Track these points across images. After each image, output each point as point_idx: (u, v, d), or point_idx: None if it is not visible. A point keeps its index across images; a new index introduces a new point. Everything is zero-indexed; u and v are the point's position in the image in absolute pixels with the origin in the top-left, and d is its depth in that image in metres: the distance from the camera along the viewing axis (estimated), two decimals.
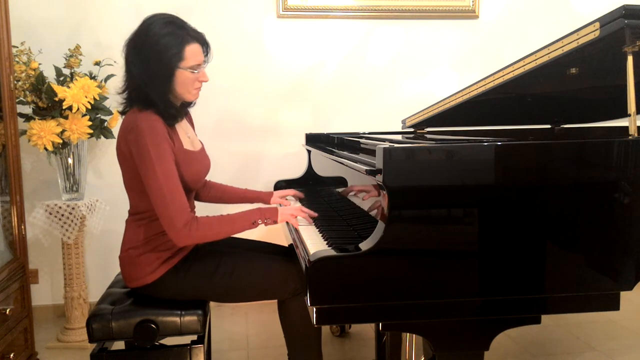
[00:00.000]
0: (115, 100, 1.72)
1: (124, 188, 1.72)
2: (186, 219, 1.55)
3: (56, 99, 2.41)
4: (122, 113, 1.71)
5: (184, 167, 1.65)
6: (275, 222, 1.71)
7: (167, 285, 1.68)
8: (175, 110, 1.65)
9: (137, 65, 1.59)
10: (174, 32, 1.58)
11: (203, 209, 1.95)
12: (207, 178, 1.99)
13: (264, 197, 2.11)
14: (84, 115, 2.46)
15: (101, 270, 2.98)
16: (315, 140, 2.73)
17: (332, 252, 1.35)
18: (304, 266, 1.40)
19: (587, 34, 1.48)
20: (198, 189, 1.95)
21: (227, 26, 3.00)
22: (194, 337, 1.70)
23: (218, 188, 2.06)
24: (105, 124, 2.62)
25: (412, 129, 2.63)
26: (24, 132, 2.42)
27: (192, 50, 1.60)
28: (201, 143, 1.87)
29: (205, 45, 1.67)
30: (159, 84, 1.59)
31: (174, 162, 1.59)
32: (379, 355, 2.03)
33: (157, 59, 1.57)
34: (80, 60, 2.58)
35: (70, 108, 2.42)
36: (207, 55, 1.68)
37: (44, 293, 2.96)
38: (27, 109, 2.53)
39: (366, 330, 2.66)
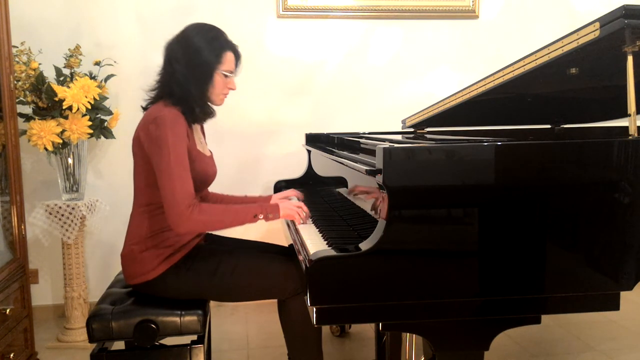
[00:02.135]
0: (116, 100, 1.73)
1: (132, 179, 1.74)
2: (190, 202, 1.59)
3: (56, 99, 2.41)
4: (144, 108, 1.77)
5: (192, 164, 1.67)
6: (277, 217, 1.73)
7: (167, 283, 1.68)
8: (205, 112, 1.75)
9: (182, 64, 1.68)
10: (218, 37, 1.74)
11: None
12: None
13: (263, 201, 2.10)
14: (84, 115, 2.46)
15: (101, 270, 2.98)
16: (315, 140, 2.73)
17: (332, 252, 1.35)
18: (304, 266, 1.40)
19: (587, 34, 1.48)
20: (202, 194, 1.96)
21: (227, 26, 2.95)
22: (194, 337, 1.70)
23: (216, 198, 2.04)
24: (105, 124, 2.62)
25: (412, 129, 2.63)
26: (24, 132, 2.43)
27: (228, 57, 1.74)
28: (210, 152, 1.90)
29: (238, 56, 1.79)
30: (201, 82, 1.70)
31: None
32: (379, 355, 2.03)
33: (202, 60, 1.69)
34: (80, 60, 2.58)
35: (70, 108, 2.42)
36: (237, 65, 1.80)
37: (44, 293, 2.96)
38: (27, 109, 2.53)
39: (366, 330, 2.66)
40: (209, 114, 1.78)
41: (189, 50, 1.69)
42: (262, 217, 1.70)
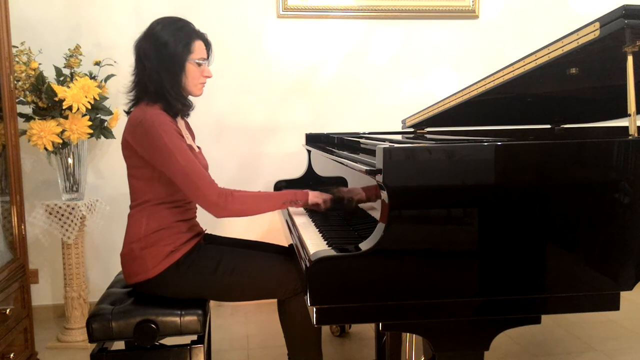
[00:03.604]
0: (116, 100, 1.74)
1: (127, 180, 1.75)
2: (218, 192, 1.64)
3: (56, 99, 2.41)
4: (127, 112, 1.78)
5: None
6: (306, 202, 1.83)
7: (167, 281, 1.68)
8: (182, 103, 1.75)
9: (152, 59, 1.69)
10: (184, 27, 1.74)
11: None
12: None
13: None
14: (84, 115, 2.46)
15: (101, 270, 2.98)
16: (315, 140, 2.73)
17: (332, 252, 1.35)
18: (304, 266, 1.40)
19: (587, 34, 1.48)
20: None
21: (227, 26, 3.00)
22: (194, 337, 1.70)
23: None
24: (105, 124, 2.62)
25: (412, 129, 2.63)
26: (24, 132, 2.42)
27: (198, 45, 1.74)
28: (198, 148, 1.91)
29: (208, 44, 1.80)
30: (172, 74, 1.71)
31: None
32: (379, 355, 2.03)
33: (170, 52, 1.69)
34: (80, 60, 2.58)
35: (70, 108, 2.42)
36: (209, 53, 1.80)
37: (44, 293, 2.96)
38: (27, 109, 2.53)
39: (366, 330, 2.66)
40: (188, 106, 1.80)
41: (156, 44, 1.69)
42: (291, 202, 1.78)
